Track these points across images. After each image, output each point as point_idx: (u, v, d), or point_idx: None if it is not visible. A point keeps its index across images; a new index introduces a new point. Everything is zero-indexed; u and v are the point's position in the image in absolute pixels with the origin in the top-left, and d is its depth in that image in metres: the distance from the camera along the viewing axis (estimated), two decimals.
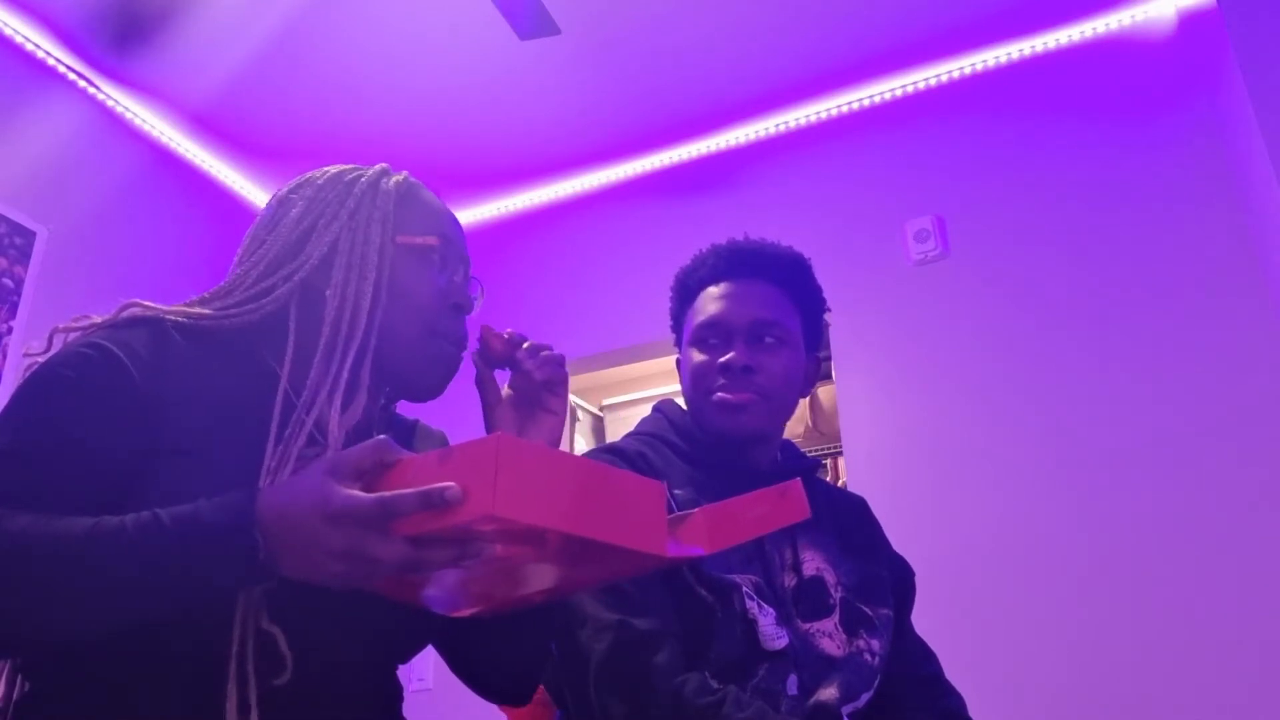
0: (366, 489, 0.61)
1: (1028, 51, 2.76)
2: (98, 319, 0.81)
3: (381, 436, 0.63)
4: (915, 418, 2.55)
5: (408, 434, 1.00)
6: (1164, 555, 2.16)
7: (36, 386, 0.76)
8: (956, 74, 2.83)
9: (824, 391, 3.14)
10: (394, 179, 0.92)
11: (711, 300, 1.17)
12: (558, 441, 0.95)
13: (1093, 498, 2.27)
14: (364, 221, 0.87)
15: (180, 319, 0.82)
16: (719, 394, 1.11)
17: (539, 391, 0.92)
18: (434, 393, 0.92)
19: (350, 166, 0.94)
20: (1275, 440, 2.15)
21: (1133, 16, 2.65)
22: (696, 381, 1.15)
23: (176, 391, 0.77)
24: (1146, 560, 2.17)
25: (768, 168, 3.02)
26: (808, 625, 1.05)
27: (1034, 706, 2.13)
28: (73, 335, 0.80)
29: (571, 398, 3.37)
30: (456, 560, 0.61)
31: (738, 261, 1.19)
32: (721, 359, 1.12)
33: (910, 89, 2.89)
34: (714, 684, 0.94)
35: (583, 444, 3.60)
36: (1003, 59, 2.79)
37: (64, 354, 0.77)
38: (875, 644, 1.08)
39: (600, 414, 3.97)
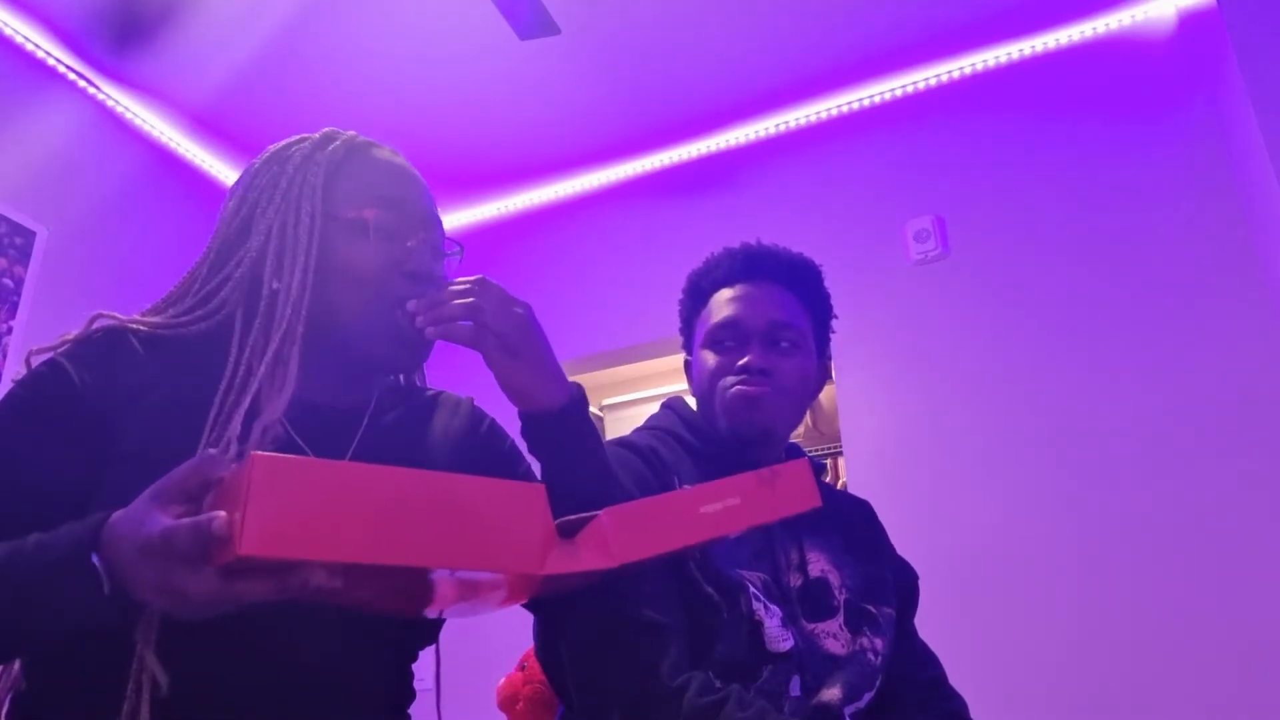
0: (194, 511, 0.55)
1: (1028, 51, 2.76)
2: (71, 336, 0.82)
3: (207, 452, 0.58)
4: (915, 418, 2.55)
5: (426, 407, 0.96)
6: (1164, 555, 2.16)
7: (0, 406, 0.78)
8: (956, 74, 2.83)
9: (824, 391, 3.13)
10: (332, 146, 0.87)
11: (726, 302, 1.17)
12: (537, 388, 0.81)
13: (1092, 497, 2.27)
14: (295, 201, 0.84)
15: (141, 328, 0.83)
16: (736, 388, 1.11)
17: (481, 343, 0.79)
18: (404, 368, 0.88)
19: (293, 139, 0.90)
20: (1275, 440, 2.15)
21: (1133, 16, 2.65)
22: (710, 378, 1.15)
23: (130, 397, 0.78)
24: (1146, 560, 2.17)
25: (768, 168, 3.02)
26: (812, 625, 1.05)
27: (1034, 707, 2.13)
28: (44, 356, 0.81)
29: None
30: (281, 592, 0.53)
31: (752, 264, 1.19)
32: (739, 361, 1.11)
33: (910, 89, 2.89)
34: (717, 684, 0.94)
35: None
36: (1003, 59, 2.79)
37: (27, 374, 0.80)
38: (879, 643, 1.08)
39: (600, 414, 3.97)
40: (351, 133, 0.91)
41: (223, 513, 0.51)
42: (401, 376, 0.97)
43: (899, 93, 2.90)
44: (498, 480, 0.59)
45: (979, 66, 2.81)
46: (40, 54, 2.64)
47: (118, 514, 0.59)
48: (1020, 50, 2.76)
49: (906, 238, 2.71)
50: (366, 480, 0.53)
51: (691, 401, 1.23)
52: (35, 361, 0.81)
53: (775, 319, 1.14)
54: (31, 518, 0.68)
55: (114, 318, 0.84)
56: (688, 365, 1.24)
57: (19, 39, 2.59)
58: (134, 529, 0.56)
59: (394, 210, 0.85)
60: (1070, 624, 2.19)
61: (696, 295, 1.23)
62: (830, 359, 1.27)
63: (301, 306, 0.80)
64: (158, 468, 0.61)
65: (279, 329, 0.79)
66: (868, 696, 1.04)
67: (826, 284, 1.24)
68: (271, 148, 0.90)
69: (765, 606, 1.01)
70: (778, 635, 1.00)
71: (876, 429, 2.59)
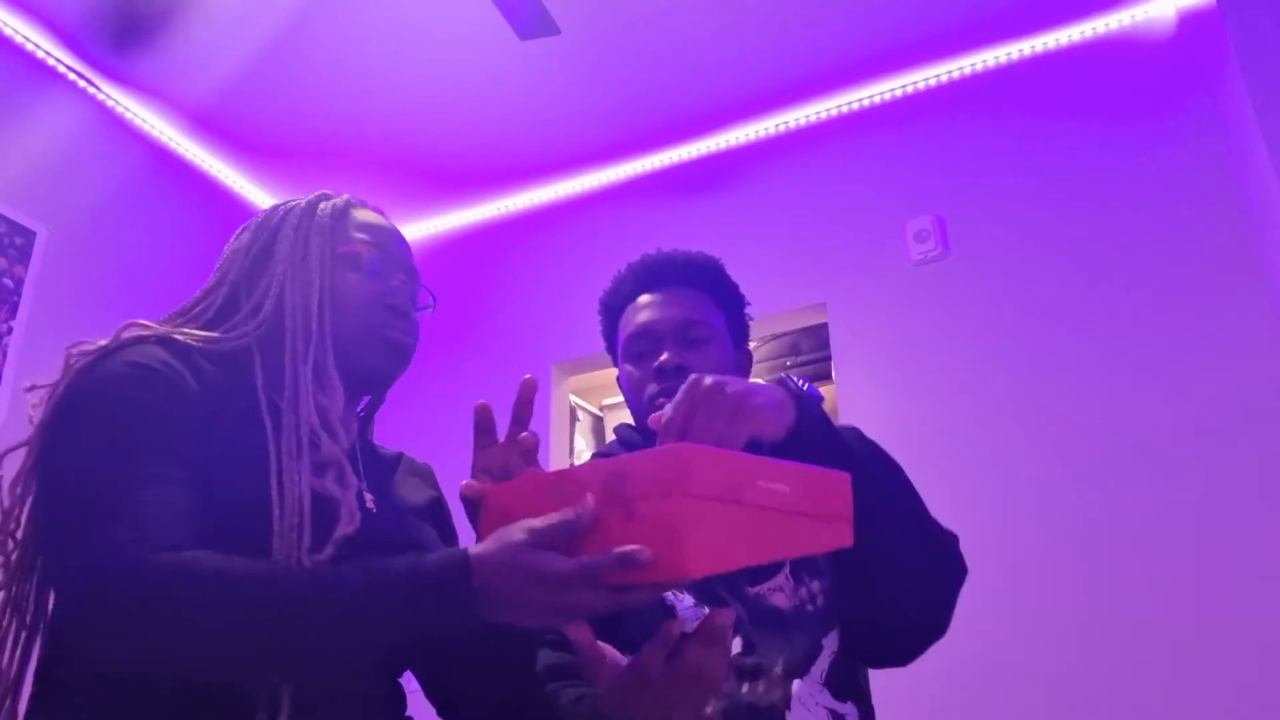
0: (567, 550, 0.66)
1: (1028, 51, 2.76)
2: (102, 342, 0.83)
3: (570, 512, 0.67)
4: (915, 418, 2.54)
5: (390, 467, 1.02)
6: (1164, 554, 2.16)
7: (98, 416, 0.77)
8: (956, 74, 2.83)
9: (824, 391, 3.14)
10: (332, 200, 1.00)
11: (636, 312, 1.21)
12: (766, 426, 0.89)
13: (1092, 497, 2.27)
14: (304, 238, 0.95)
15: (191, 341, 0.87)
16: (660, 399, 1.12)
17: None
18: (388, 376, 0.97)
19: (286, 199, 1.02)
20: (1275, 440, 2.15)
21: (1133, 16, 2.66)
22: (637, 391, 1.17)
23: (211, 400, 0.82)
24: (1147, 559, 2.17)
25: (768, 168, 3.02)
26: (756, 588, 1.06)
27: (1034, 705, 2.13)
28: (85, 356, 0.81)
29: (571, 398, 3.37)
30: (659, 592, 0.68)
31: (654, 273, 1.23)
32: (655, 364, 1.14)
33: (910, 89, 2.89)
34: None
35: (582, 444, 3.60)
36: (1003, 59, 2.79)
37: (109, 378, 0.79)
38: (815, 585, 1.09)
39: (600, 414, 3.98)
40: (345, 195, 1.03)
41: (643, 548, 0.62)
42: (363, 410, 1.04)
43: (899, 93, 2.90)
44: (813, 467, 0.72)
45: (979, 66, 2.81)
46: (40, 54, 2.64)
47: (481, 555, 0.67)
48: (1020, 50, 2.76)
49: (906, 238, 2.71)
50: (759, 496, 0.66)
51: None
52: (78, 357, 0.81)
53: (683, 317, 1.17)
54: (190, 510, 0.74)
55: (150, 326, 0.88)
56: (620, 382, 1.26)
57: (19, 39, 2.59)
58: (530, 574, 0.65)
59: (382, 251, 0.98)
60: (1072, 623, 2.18)
61: (609, 315, 1.27)
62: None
63: (325, 324, 0.91)
64: (250, 462, 0.76)
65: (309, 350, 0.89)
66: (821, 660, 1.03)
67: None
68: (267, 208, 1.02)
69: (674, 594, 1.02)
70: (690, 617, 1.00)
71: (876, 429, 2.58)
